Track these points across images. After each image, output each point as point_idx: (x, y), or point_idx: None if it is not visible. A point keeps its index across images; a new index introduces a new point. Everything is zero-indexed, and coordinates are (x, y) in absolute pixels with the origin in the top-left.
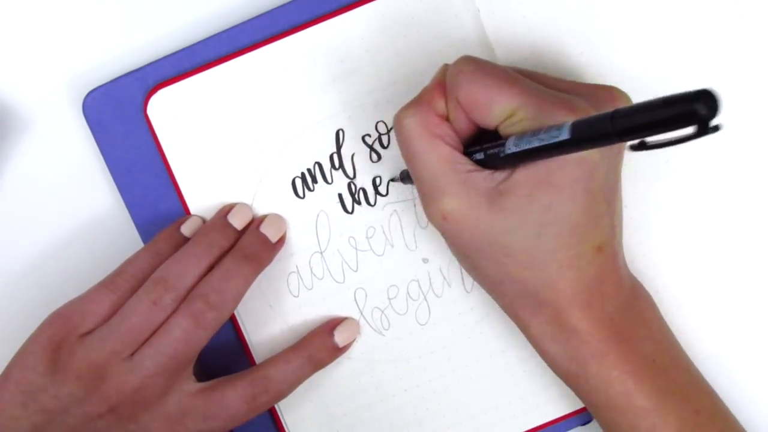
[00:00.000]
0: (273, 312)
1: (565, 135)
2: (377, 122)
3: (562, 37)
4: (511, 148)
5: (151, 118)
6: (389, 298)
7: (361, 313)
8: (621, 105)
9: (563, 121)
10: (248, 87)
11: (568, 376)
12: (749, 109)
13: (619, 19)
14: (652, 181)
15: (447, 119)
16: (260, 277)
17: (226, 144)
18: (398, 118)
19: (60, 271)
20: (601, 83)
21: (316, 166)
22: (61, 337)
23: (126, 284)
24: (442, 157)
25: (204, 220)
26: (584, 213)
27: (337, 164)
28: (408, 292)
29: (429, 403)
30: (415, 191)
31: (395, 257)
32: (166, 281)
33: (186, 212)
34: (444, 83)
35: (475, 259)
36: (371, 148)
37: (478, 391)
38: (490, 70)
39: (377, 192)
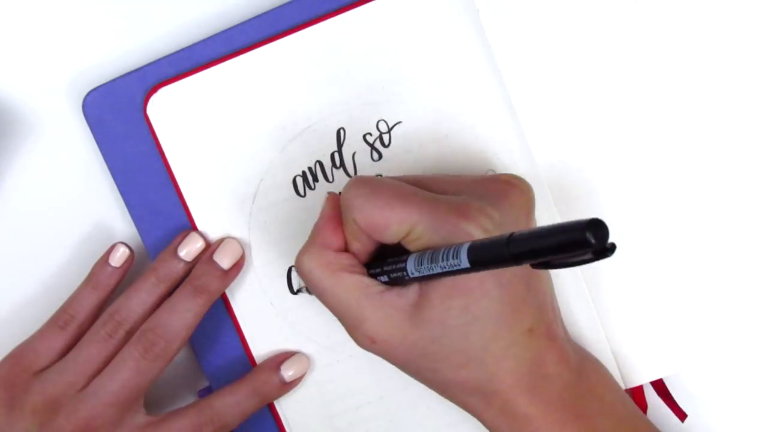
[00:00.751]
0: (273, 309)
1: (464, 263)
2: (378, 121)
3: (563, 36)
4: (413, 272)
5: (151, 118)
6: None
7: None
8: (519, 194)
9: (459, 228)
10: (248, 86)
11: None
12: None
13: (619, 17)
14: None
15: (345, 249)
16: (261, 275)
17: (226, 143)
18: (298, 262)
19: (60, 270)
20: (495, 174)
21: (317, 164)
22: (15, 375)
23: (76, 322)
24: (351, 288)
25: (130, 249)
26: (503, 304)
27: (338, 163)
28: None
29: (429, 402)
30: None
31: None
32: (119, 315)
33: (186, 212)
34: (334, 216)
35: (413, 371)
36: (372, 146)
37: None
38: (383, 190)
39: None
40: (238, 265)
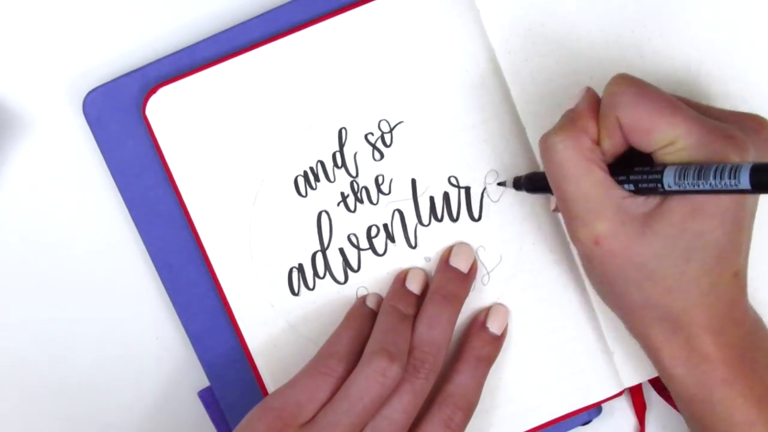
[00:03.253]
0: (273, 310)
1: (745, 184)
2: (380, 121)
3: (563, 36)
4: (670, 186)
5: (150, 118)
6: None
7: None
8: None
9: (723, 151)
10: (249, 86)
11: (692, 402)
12: None
13: (619, 17)
14: None
15: (597, 143)
16: (261, 276)
17: (227, 143)
18: (550, 141)
19: (60, 270)
20: (747, 112)
21: (319, 164)
22: (278, 430)
23: (340, 365)
24: (596, 182)
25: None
26: (730, 240)
27: (339, 163)
28: None
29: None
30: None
31: (397, 256)
32: (387, 351)
33: (185, 212)
34: (595, 108)
35: (618, 283)
36: (374, 146)
37: None
38: (652, 93)
39: (380, 191)
40: (474, 267)
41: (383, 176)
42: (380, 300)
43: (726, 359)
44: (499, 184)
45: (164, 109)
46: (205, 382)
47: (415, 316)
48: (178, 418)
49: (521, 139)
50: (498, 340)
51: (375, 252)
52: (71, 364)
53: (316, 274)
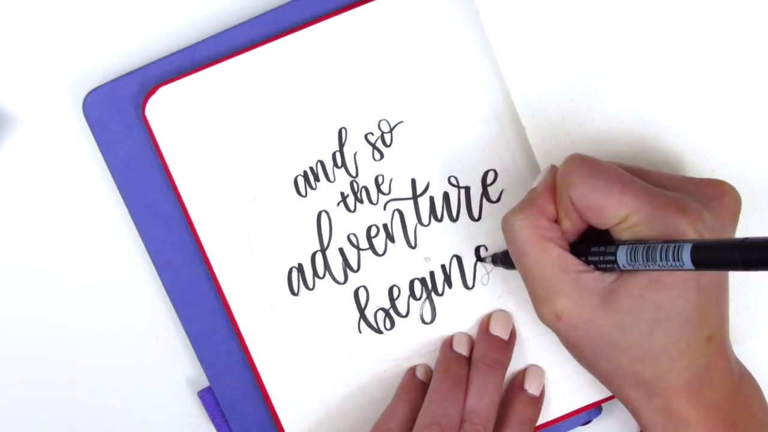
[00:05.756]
0: (273, 311)
1: (687, 264)
2: (380, 121)
3: (563, 36)
4: (624, 266)
5: (150, 118)
6: (392, 298)
7: (362, 313)
8: (731, 201)
9: (675, 225)
10: (249, 86)
11: None
12: None
13: (619, 17)
14: None
15: (555, 221)
16: (261, 276)
17: (226, 143)
18: (509, 221)
19: (60, 270)
20: (707, 178)
21: (319, 164)
22: None
23: None
24: (553, 260)
25: (429, 368)
26: (695, 308)
27: (339, 162)
28: (410, 292)
29: None
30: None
31: (397, 256)
32: (438, 425)
33: (185, 212)
34: (553, 186)
35: (587, 354)
36: (374, 146)
37: None
38: (603, 172)
39: (379, 190)
40: (514, 333)
41: (383, 176)
42: (429, 370)
43: (705, 422)
44: (480, 260)
45: (164, 109)
46: (205, 382)
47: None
48: (178, 418)
49: (521, 139)
50: (537, 401)
51: (375, 252)
52: (71, 364)
53: (315, 274)
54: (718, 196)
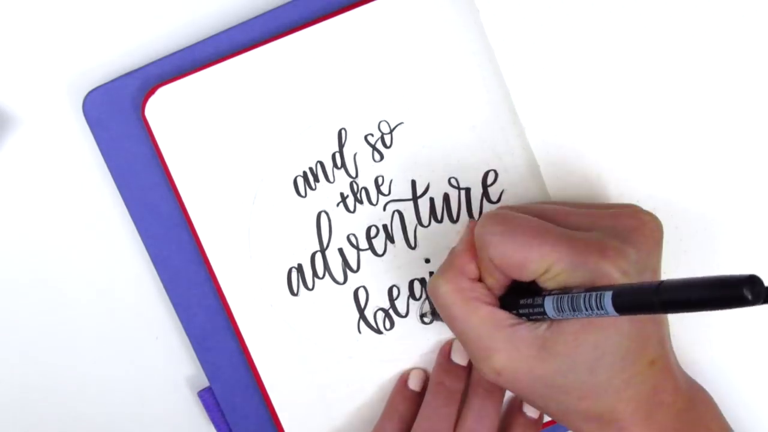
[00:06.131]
0: (273, 310)
1: (610, 312)
2: (380, 122)
3: (563, 36)
4: (553, 316)
5: (150, 118)
6: (392, 299)
7: (362, 313)
8: (651, 230)
9: (598, 269)
10: (248, 86)
11: None
12: None
13: (619, 17)
14: None
15: (479, 279)
16: (261, 276)
17: (226, 143)
18: (432, 286)
19: (60, 270)
20: (625, 206)
21: (318, 165)
22: None
23: None
24: (484, 318)
25: (425, 372)
26: (632, 339)
27: (339, 163)
28: (409, 292)
29: None
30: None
31: (396, 257)
32: None
33: (185, 212)
34: (473, 244)
35: (536, 400)
36: (374, 147)
37: None
38: (518, 227)
39: (379, 191)
40: None
41: (383, 177)
42: (423, 377)
43: None
44: (423, 315)
45: (164, 109)
46: (205, 382)
47: (463, 391)
48: (178, 418)
49: (521, 139)
50: (537, 423)
51: (374, 252)
52: (71, 365)
53: (315, 274)
54: (639, 227)
